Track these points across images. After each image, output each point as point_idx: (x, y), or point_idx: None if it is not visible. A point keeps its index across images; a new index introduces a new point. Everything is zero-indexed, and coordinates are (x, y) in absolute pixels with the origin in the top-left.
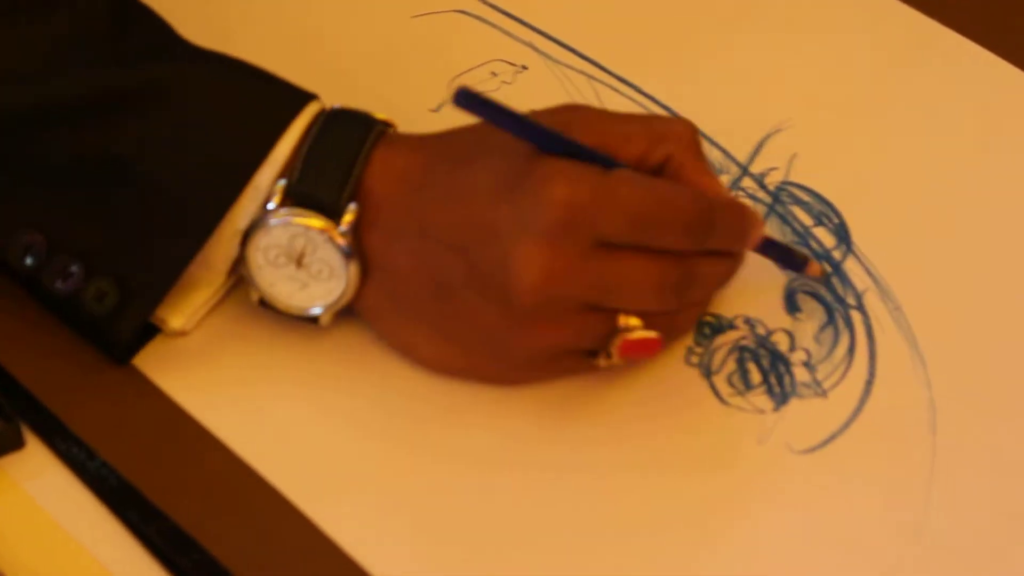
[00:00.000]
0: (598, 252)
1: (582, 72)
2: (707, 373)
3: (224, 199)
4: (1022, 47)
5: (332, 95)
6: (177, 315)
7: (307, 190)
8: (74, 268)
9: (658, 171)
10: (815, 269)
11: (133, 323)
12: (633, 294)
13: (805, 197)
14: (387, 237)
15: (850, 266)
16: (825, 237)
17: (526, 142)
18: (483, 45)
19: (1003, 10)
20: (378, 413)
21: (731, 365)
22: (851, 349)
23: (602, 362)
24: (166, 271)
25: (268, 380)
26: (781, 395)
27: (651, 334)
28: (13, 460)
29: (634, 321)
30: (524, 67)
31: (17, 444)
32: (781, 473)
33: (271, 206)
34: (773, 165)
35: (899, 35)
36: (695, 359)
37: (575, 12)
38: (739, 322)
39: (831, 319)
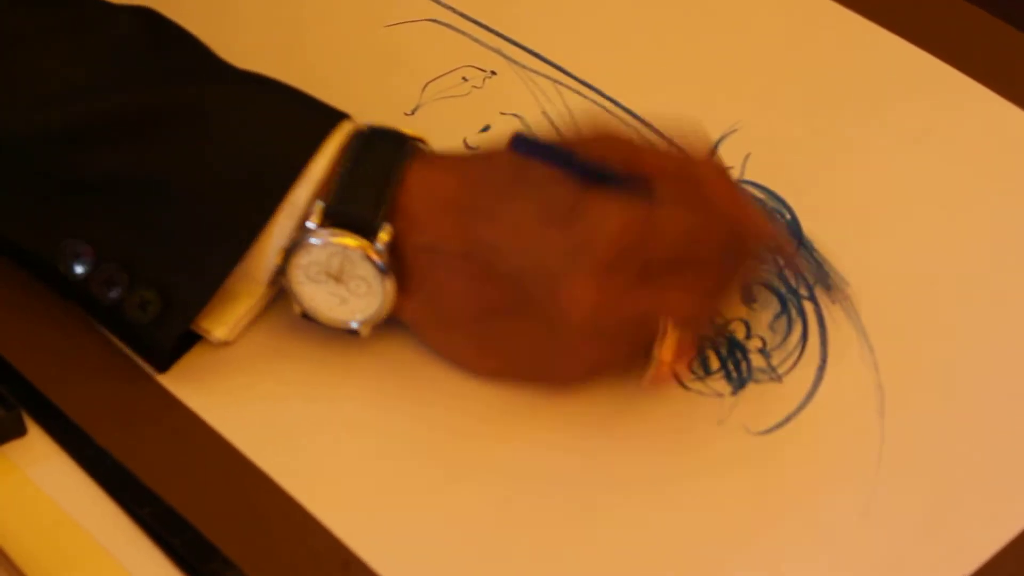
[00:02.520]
0: (645, 279)
1: (547, 77)
2: None
3: (261, 214)
4: (961, 48)
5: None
6: (220, 325)
7: (344, 210)
8: (120, 277)
9: (690, 195)
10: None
11: (174, 331)
12: (677, 311)
13: (759, 194)
14: (430, 256)
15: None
16: None
17: (571, 174)
18: (454, 52)
19: (942, 15)
20: (384, 413)
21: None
22: (804, 337)
23: (649, 376)
24: (206, 282)
25: (261, 371)
26: (738, 380)
27: (679, 368)
28: (15, 447)
29: (668, 343)
30: (493, 72)
31: (19, 431)
32: (739, 453)
33: (311, 225)
34: (728, 164)
35: (844, 39)
36: None
37: (541, 21)
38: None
39: (784, 308)
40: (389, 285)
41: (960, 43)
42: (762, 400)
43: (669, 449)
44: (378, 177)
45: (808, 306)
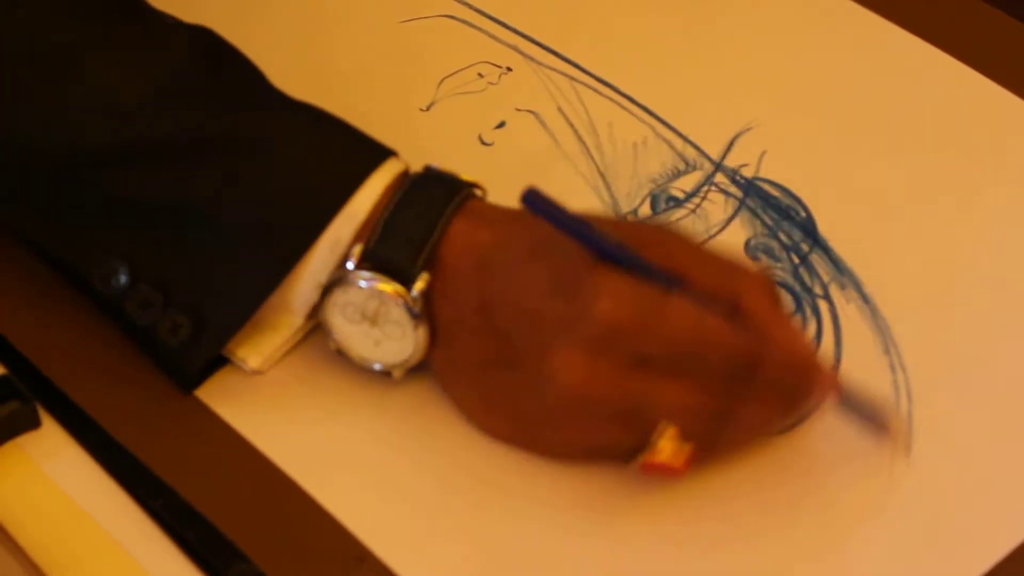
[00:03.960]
0: (636, 370)
1: (564, 73)
2: None
3: (298, 245)
4: (977, 48)
5: (326, 97)
6: (256, 355)
7: (382, 254)
8: (155, 298)
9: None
10: (895, 435)
11: (203, 357)
12: (666, 415)
13: (774, 192)
14: (452, 307)
15: (816, 258)
16: (793, 230)
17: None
18: (469, 48)
19: (959, 15)
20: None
21: None
22: (818, 336)
23: (631, 465)
24: (239, 310)
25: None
26: None
27: (675, 462)
28: (30, 439)
29: (663, 443)
30: (509, 69)
31: (34, 424)
32: (755, 452)
33: (350, 266)
34: (744, 162)
35: (860, 38)
36: None
37: (557, 16)
38: None
39: (799, 308)
40: (422, 332)
41: (977, 42)
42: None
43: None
44: (421, 225)
45: (822, 305)
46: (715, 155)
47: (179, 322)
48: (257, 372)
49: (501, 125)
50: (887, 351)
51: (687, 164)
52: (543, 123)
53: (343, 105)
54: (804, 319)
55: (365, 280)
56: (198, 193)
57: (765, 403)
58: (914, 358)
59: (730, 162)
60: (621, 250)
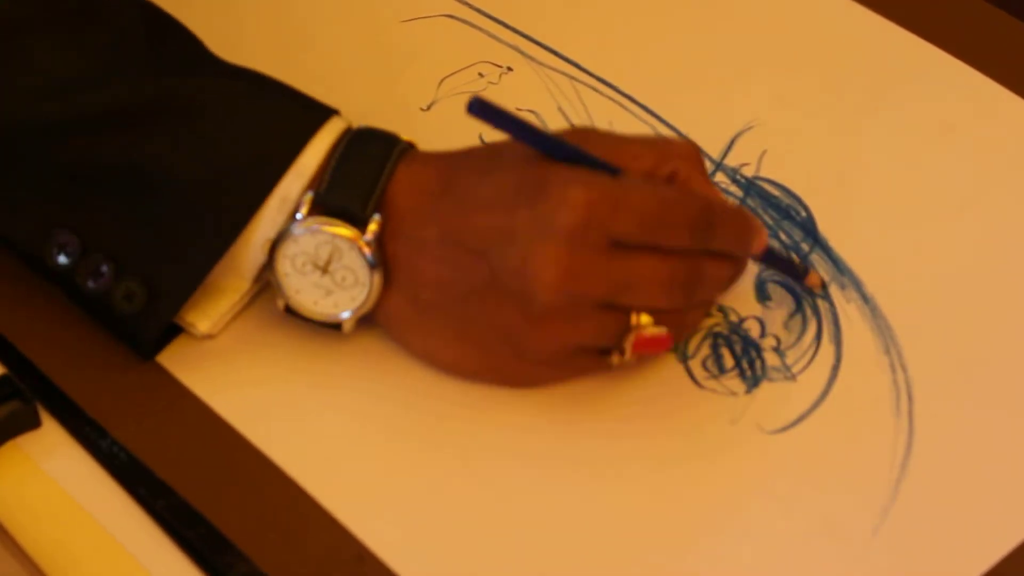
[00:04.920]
0: (613, 252)
1: (564, 73)
2: (683, 358)
3: (247, 207)
4: (978, 47)
5: (327, 96)
6: (204, 319)
7: (334, 200)
8: (105, 268)
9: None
10: (814, 279)
11: (159, 322)
12: (646, 292)
13: (774, 191)
14: (410, 245)
15: (816, 257)
16: (793, 229)
17: (539, 153)
18: (470, 48)
19: (960, 14)
20: (390, 407)
21: (705, 350)
22: (818, 335)
23: (615, 359)
24: (191, 274)
25: (281, 372)
26: (753, 379)
27: (662, 330)
28: (30, 439)
29: (645, 319)
30: (509, 68)
31: (34, 424)
32: (752, 452)
33: (299, 216)
34: (744, 161)
35: (861, 37)
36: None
37: (558, 16)
38: (713, 309)
39: (799, 307)
40: (376, 276)
41: (978, 42)
42: (776, 399)
43: (682, 448)
44: (368, 171)
45: (823, 304)
46: (715, 154)
47: (133, 290)
48: (206, 336)
49: None
50: (887, 351)
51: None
52: (543, 122)
53: (344, 104)
54: (804, 319)
55: (317, 226)
56: (146, 159)
57: (718, 260)
58: (914, 358)
59: (730, 161)
60: (568, 146)
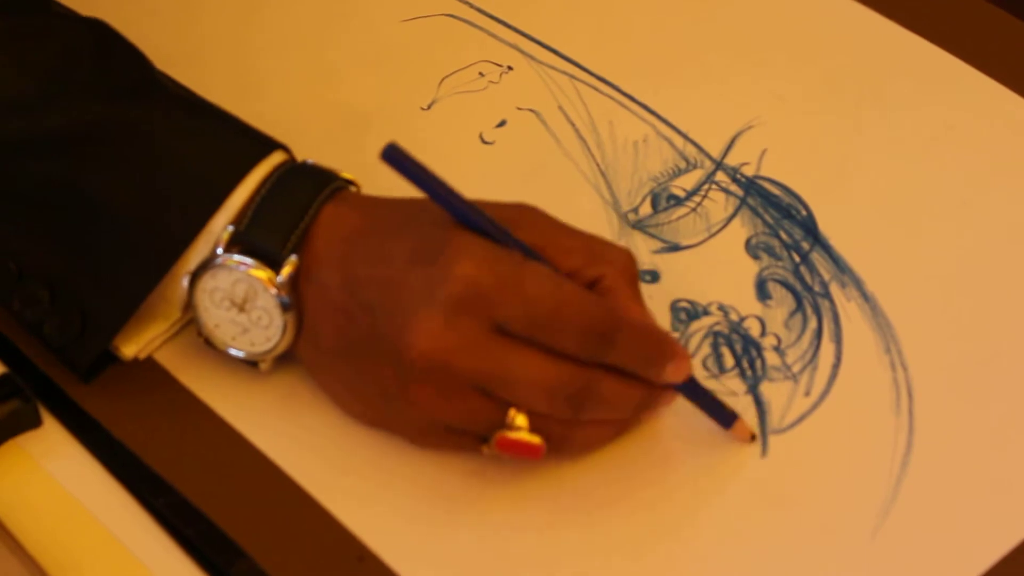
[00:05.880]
0: (496, 337)
1: (564, 72)
2: None
3: (179, 243)
4: (979, 47)
5: (328, 96)
6: (131, 344)
7: (252, 239)
8: (41, 294)
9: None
10: (742, 432)
11: (91, 352)
12: (523, 389)
13: (775, 190)
14: (316, 290)
15: (816, 256)
16: (793, 228)
17: (450, 216)
18: (470, 47)
19: (961, 14)
20: None
21: (706, 349)
22: (818, 334)
23: (485, 450)
24: (124, 306)
25: (281, 371)
26: (753, 378)
27: (533, 439)
28: (31, 438)
29: (520, 420)
30: (510, 68)
31: (35, 423)
32: (753, 451)
33: (219, 250)
34: (745, 160)
35: (862, 37)
36: None
37: (558, 16)
38: (713, 308)
39: (800, 306)
40: (289, 319)
41: (979, 42)
42: (776, 399)
43: (681, 447)
44: (291, 211)
45: (823, 303)
46: (716, 153)
47: (66, 319)
48: (131, 360)
49: (502, 124)
50: (888, 350)
51: (688, 162)
52: (544, 122)
53: (344, 104)
54: (805, 317)
55: (234, 264)
56: (86, 184)
57: (620, 380)
58: (915, 356)
59: (731, 160)
60: (479, 214)
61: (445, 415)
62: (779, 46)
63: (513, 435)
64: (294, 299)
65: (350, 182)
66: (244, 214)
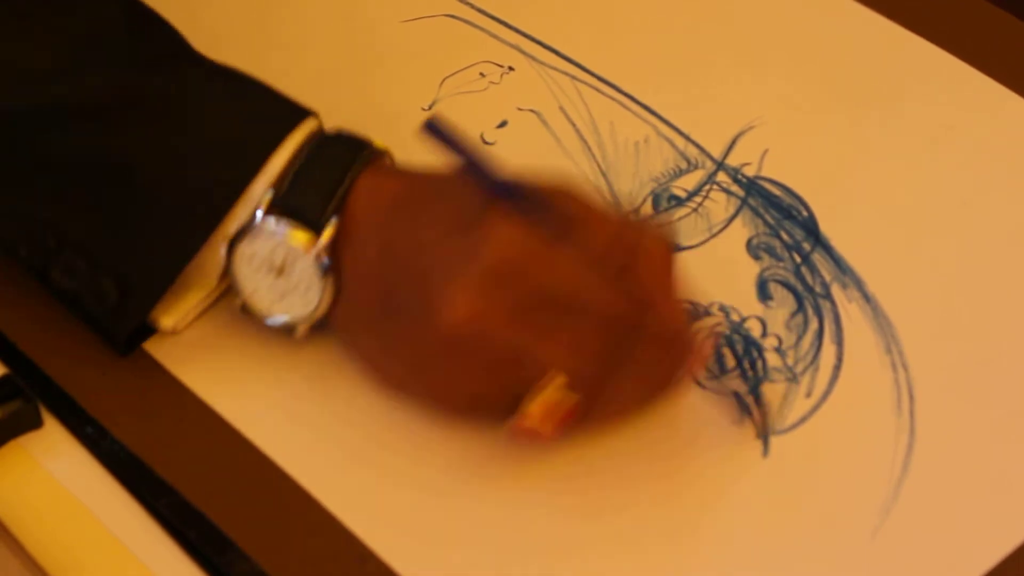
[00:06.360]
0: (523, 317)
1: (566, 73)
2: None
3: (219, 209)
4: (981, 48)
5: (328, 96)
6: (169, 316)
7: (293, 203)
8: (80, 264)
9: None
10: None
11: (131, 322)
12: (549, 356)
13: (776, 191)
14: (355, 254)
15: (817, 257)
16: (794, 229)
17: (484, 188)
18: (471, 47)
19: (963, 15)
20: (393, 407)
21: None
22: (820, 335)
23: (509, 425)
24: (162, 274)
25: (283, 371)
26: (754, 379)
27: (543, 428)
28: (32, 438)
29: (557, 383)
30: (511, 68)
31: (36, 423)
32: (754, 452)
33: (258, 215)
34: (746, 160)
35: (864, 37)
36: None
37: (559, 16)
38: (714, 309)
39: (801, 307)
40: (328, 283)
41: (980, 43)
42: (778, 400)
43: (683, 448)
44: (330, 176)
45: (824, 304)
46: (717, 154)
47: (105, 288)
48: (171, 332)
49: (503, 124)
50: (889, 350)
51: (689, 163)
52: (545, 122)
53: (345, 104)
54: (806, 318)
55: (274, 228)
56: (123, 153)
57: (639, 373)
58: (916, 357)
59: (732, 161)
60: (517, 186)
61: (469, 386)
62: (780, 47)
63: (524, 424)
64: (333, 263)
65: (385, 151)
66: (283, 179)
